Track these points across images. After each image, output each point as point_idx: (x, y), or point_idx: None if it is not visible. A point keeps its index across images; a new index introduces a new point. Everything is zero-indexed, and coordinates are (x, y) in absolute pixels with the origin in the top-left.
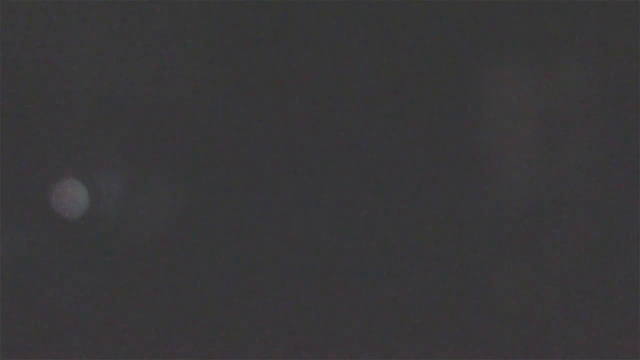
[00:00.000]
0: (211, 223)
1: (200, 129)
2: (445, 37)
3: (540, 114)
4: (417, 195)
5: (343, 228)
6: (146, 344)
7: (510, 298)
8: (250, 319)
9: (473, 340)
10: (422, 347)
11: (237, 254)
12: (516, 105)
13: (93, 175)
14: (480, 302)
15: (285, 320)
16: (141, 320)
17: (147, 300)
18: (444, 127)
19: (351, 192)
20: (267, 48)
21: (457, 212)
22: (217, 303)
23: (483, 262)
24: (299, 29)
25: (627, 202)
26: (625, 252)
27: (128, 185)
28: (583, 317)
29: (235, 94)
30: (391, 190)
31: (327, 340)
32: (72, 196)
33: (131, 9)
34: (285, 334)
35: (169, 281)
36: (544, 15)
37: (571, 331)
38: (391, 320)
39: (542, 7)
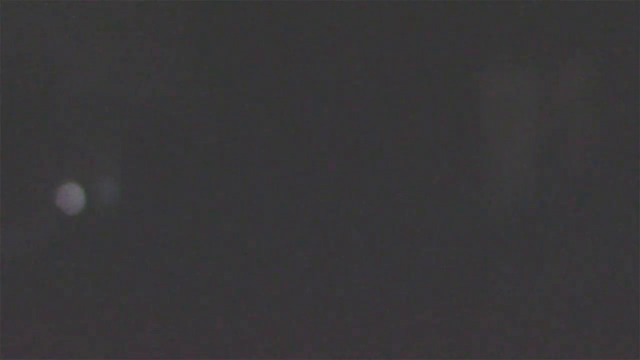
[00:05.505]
0: (209, 221)
1: (197, 128)
2: (446, 37)
3: (540, 114)
4: (417, 195)
5: (342, 227)
6: (145, 343)
7: (511, 298)
8: (250, 319)
9: (473, 340)
10: (422, 347)
11: (236, 251)
12: (516, 105)
13: (91, 174)
14: (480, 302)
15: (284, 319)
16: (140, 319)
17: (146, 299)
18: (444, 127)
19: (350, 192)
20: (264, 48)
21: (457, 212)
22: (217, 303)
23: (483, 262)
24: (297, 29)
25: (628, 202)
26: (626, 252)
27: (125, 183)
28: (583, 317)
29: (233, 94)
30: (391, 190)
31: (325, 339)
32: (70, 195)
33: (130, 10)
34: (284, 333)
35: (168, 280)
36: (545, 15)
37: (571, 331)
38: (391, 320)
39: (543, 7)
